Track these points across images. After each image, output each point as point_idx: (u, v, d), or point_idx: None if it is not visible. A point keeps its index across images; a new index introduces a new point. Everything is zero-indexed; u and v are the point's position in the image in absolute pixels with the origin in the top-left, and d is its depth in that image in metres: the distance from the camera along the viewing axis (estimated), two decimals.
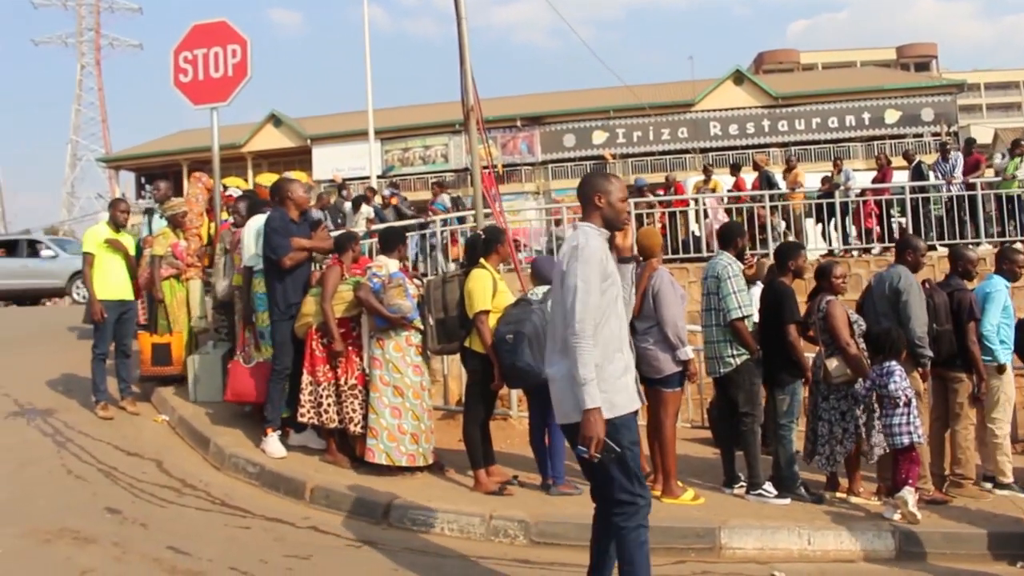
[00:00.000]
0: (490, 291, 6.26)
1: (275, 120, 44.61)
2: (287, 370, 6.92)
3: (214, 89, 9.58)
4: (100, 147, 69.25)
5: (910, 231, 13.21)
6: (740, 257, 6.63)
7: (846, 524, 5.76)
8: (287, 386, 7.00)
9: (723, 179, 16.52)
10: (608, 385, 3.75)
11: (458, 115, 33.57)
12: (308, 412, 6.74)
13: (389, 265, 6.72)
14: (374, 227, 13.03)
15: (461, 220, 14.18)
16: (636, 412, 3.97)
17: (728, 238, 6.67)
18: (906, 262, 6.70)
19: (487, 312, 6.23)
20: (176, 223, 8.82)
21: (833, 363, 6.31)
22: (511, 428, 8.42)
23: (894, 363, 6.11)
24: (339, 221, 14.77)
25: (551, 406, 6.33)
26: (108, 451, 7.06)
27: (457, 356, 6.94)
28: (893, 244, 14.01)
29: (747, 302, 6.31)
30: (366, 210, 15.23)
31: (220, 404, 7.82)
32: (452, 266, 13.19)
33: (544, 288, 6.38)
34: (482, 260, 6.43)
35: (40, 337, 12.58)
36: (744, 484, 6.45)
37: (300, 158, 42.16)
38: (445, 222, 14.15)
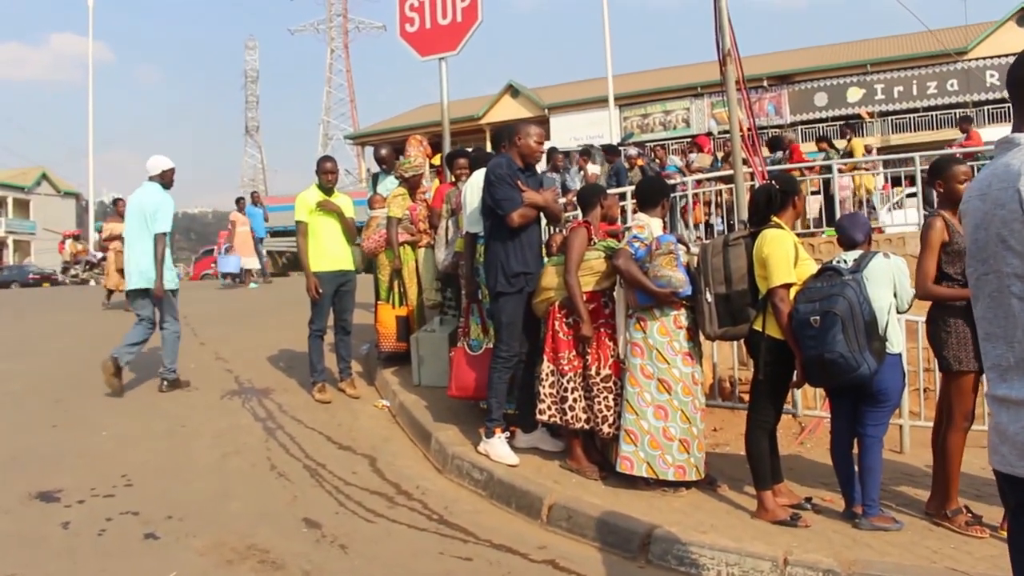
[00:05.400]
0: (792, 257, 4.69)
1: (513, 91, 44.25)
2: (514, 357, 5.67)
3: (442, 37, 8.83)
4: (348, 125, 72.94)
5: None
6: None
7: None
8: (514, 377, 5.78)
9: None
10: None
11: (700, 78, 31.47)
12: (549, 408, 5.45)
13: (652, 226, 5.26)
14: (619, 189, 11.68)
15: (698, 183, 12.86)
16: None
17: None
18: None
19: (789, 286, 4.66)
20: (413, 185, 7.81)
21: None
22: None
23: None
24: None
25: (865, 408, 4.87)
26: (318, 442, 6.18)
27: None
28: None
29: None
30: (591, 168, 14.04)
31: (446, 390, 6.72)
32: (687, 233, 11.71)
33: (854, 254, 4.88)
34: (775, 219, 4.85)
35: (278, 308, 12.36)
36: None
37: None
38: (699, 182, 12.57)
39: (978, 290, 2.33)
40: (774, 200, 4.91)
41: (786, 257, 4.67)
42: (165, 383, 7.43)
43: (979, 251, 2.32)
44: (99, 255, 21.89)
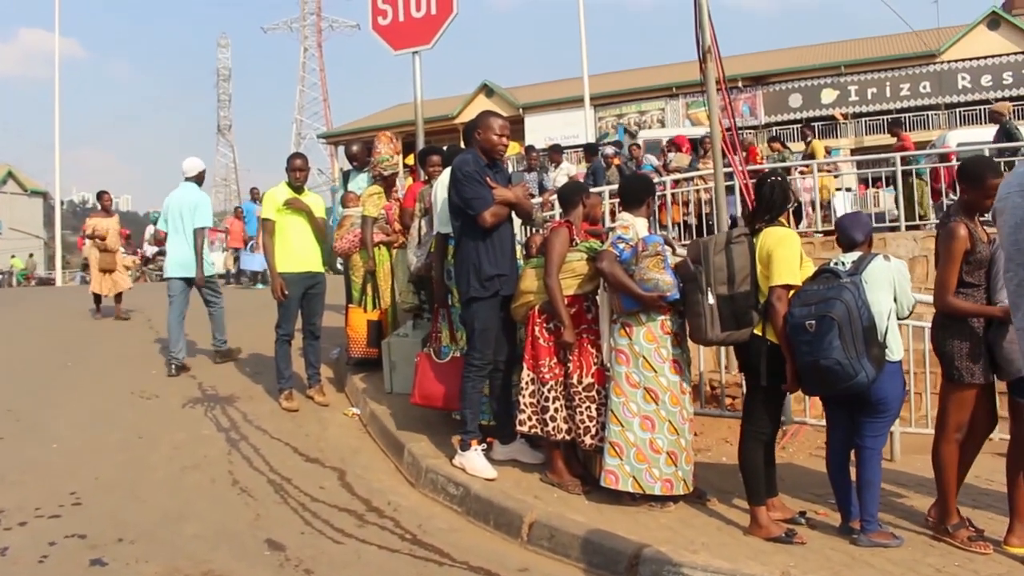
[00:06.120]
0: (799, 258, 4.44)
1: (487, 90, 43.94)
2: (488, 366, 5.33)
3: (416, 31, 8.49)
4: (322, 125, 72.44)
5: None
6: None
7: None
8: (488, 386, 5.49)
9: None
10: None
11: (675, 78, 31.32)
12: (530, 419, 5.14)
13: (637, 226, 4.96)
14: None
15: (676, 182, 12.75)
16: None
17: None
18: None
19: (791, 288, 4.42)
20: (389, 184, 7.50)
21: None
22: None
23: None
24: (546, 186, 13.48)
25: (864, 419, 4.53)
26: (284, 454, 5.85)
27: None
28: None
29: None
30: (567, 167, 13.78)
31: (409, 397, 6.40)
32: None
33: (853, 255, 4.58)
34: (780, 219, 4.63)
35: (247, 312, 11.96)
36: None
37: (513, 127, 40.75)
38: (676, 182, 12.41)
39: (1020, 297, 2.06)
40: (789, 197, 4.66)
41: (793, 257, 4.43)
42: (219, 355, 8.59)
43: (1019, 253, 2.05)
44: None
